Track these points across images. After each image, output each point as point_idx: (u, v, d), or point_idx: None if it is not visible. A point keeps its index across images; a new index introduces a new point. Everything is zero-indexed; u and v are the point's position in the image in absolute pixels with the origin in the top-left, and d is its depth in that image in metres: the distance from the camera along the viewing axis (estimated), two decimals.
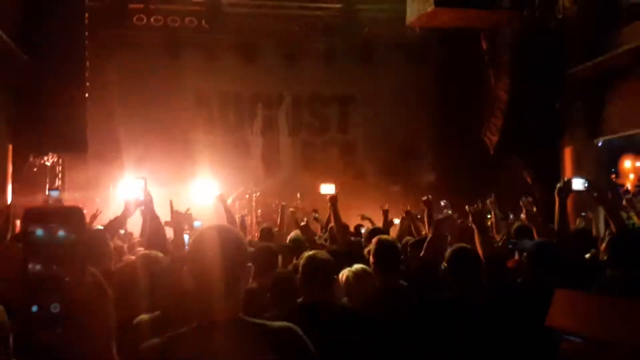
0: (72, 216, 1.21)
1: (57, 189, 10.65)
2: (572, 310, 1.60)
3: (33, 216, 1.21)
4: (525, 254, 4.13)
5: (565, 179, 4.49)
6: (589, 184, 4.64)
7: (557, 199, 4.43)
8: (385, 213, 7.51)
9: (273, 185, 14.80)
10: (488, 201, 7.97)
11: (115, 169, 14.08)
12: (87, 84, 10.76)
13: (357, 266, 3.88)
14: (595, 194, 4.80)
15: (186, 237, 4.23)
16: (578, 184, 4.60)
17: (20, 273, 1.16)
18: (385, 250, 3.88)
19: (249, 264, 1.99)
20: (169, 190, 14.43)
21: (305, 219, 7.44)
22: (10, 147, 9.75)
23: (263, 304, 3.62)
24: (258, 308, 3.40)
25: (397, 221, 8.30)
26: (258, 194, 14.51)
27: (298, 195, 14.30)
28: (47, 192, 10.07)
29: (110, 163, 14.31)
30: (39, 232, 1.18)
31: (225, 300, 1.87)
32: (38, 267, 1.17)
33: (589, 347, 1.49)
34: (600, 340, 1.48)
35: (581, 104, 11.06)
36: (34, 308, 1.16)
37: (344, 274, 3.84)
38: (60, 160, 12.32)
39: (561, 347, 1.54)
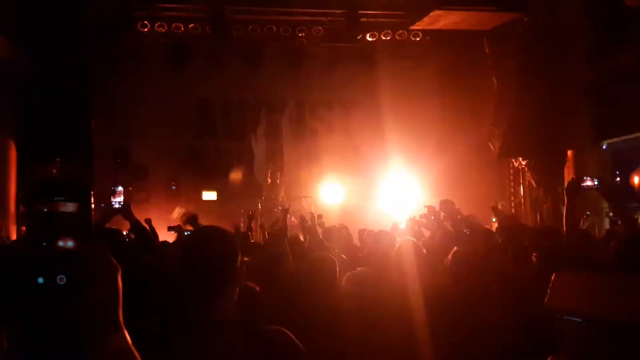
0: (78, 191, 1.21)
1: (122, 184, 10.53)
2: (570, 291, 1.60)
3: (40, 191, 1.21)
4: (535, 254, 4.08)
5: (576, 177, 4.40)
6: (599, 182, 4.59)
7: (566, 197, 4.34)
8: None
9: (277, 190, 14.83)
10: (499, 205, 8.00)
11: (120, 176, 14.16)
12: (91, 91, 10.82)
13: (359, 269, 3.89)
14: (605, 192, 4.74)
15: None
16: (588, 181, 4.56)
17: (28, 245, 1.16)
18: None
19: (242, 265, 2.01)
20: (174, 197, 14.56)
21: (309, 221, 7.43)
22: (16, 155, 9.80)
23: (267, 307, 3.62)
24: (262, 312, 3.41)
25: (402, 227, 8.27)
26: (263, 199, 14.56)
27: (303, 200, 14.35)
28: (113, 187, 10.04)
29: (116, 170, 14.40)
30: (46, 206, 1.18)
31: (216, 300, 1.88)
32: (45, 239, 1.17)
33: (587, 327, 1.49)
34: (598, 320, 1.47)
35: (585, 107, 11.04)
36: (40, 280, 1.15)
37: (348, 277, 3.85)
38: (66, 168, 12.35)
39: (559, 327, 1.54)
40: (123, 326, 1.23)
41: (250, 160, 15.89)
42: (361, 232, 8.16)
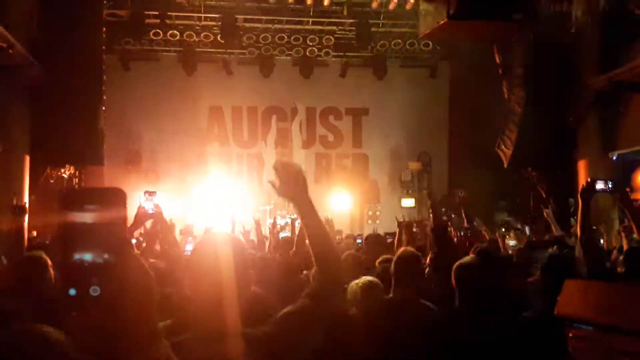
0: (112, 198, 1.18)
1: (154, 192, 10.50)
2: (580, 298, 1.60)
3: (71, 199, 1.19)
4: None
5: (589, 180, 4.27)
6: (612, 185, 4.52)
7: (580, 201, 4.22)
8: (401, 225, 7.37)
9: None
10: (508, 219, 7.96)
11: (131, 182, 14.24)
12: (104, 97, 10.90)
13: (364, 279, 3.86)
14: (619, 195, 4.68)
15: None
16: (601, 184, 4.47)
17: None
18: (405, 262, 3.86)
19: (250, 271, 1.99)
20: (184, 202, 14.63)
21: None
22: (28, 158, 9.88)
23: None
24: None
25: None
26: (272, 206, 14.57)
27: None
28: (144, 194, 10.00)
29: (127, 175, 14.48)
30: (79, 216, 1.15)
31: (224, 309, 1.85)
32: (79, 250, 1.15)
33: (598, 335, 1.49)
34: (610, 327, 1.48)
35: (595, 117, 10.98)
36: (72, 291, 1.15)
37: (351, 287, 3.82)
38: (77, 173, 12.46)
39: (570, 335, 1.54)
40: (159, 333, 1.20)
41: (260, 167, 15.96)
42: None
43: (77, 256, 1.14)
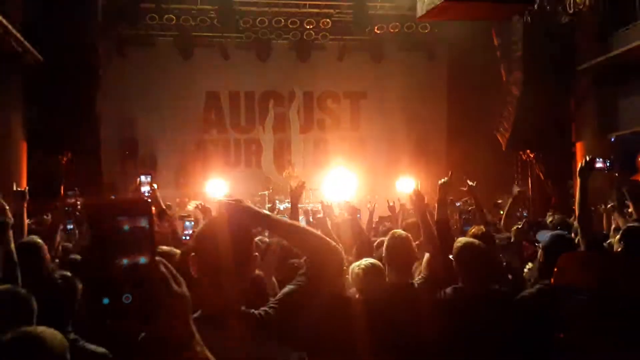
0: (139, 208, 1.19)
1: (149, 173, 10.46)
2: (576, 269, 1.62)
3: (98, 211, 1.18)
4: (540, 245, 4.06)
5: (587, 158, 4.24)
6: (610, 163, 4.51)
7: (578, 179, 4.17)
8: (392, 209, 7.44)
9: (284, 182, 14.85)
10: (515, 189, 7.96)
11: (129, 167, 14.22)
12: (100, 83, 10.86)
13: (366, 261, 3.84)
14: (617, 174, 4.68)
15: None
16: (600, 163, 4.46)
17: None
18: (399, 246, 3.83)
19: (255, 254, 2.00)
20: (181, 188, 14.62)
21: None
22: (25, 145, 9.86)
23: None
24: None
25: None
26: (271, 190, 14.57)
27: (311, 193, 14.37)
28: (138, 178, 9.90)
29: (124, 161, 14.46)
30: (111, 228, 1.15)
31: (228, 290, 1.86)
32: (112, 259, 1.14)
33: (594, 303, 1.51)
34: (604, 296, 1.50)
35: (593, 99, 10.98)
36: (105, 300, 1.14)
37: (353, 269, 3.82)
38: (75, 159, 12.41)
39: (567, 304, 1.57)
40: (196, 337, 1.20)
41: (258, 152, 15.94)
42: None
43: (116, 261, 1.14)
